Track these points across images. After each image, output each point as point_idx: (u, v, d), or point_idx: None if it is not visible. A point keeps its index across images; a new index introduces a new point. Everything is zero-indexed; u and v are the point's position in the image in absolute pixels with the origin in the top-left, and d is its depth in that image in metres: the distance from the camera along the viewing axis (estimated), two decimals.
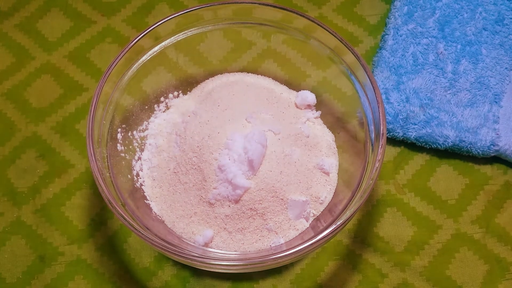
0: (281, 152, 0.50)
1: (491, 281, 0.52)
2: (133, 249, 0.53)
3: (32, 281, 0.52)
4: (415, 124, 0.56)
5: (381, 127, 0.47)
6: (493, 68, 0.59)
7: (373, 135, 0.48)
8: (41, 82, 0.61)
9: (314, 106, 0.56)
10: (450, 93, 0.58)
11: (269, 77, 0.58)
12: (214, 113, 0.52)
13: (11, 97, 0.60)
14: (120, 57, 0.50)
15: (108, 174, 0.48)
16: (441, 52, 0.59)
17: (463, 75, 0.58)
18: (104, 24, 0.64)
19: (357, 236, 0.54)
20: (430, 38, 0.60)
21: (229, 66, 0.59)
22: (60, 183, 0.56)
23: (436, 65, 0.59)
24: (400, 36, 0.60)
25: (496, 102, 0.57)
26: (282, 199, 0.50)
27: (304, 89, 0.56)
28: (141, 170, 0.53)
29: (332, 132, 0.55)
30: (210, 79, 0.58)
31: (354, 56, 0.50)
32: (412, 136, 0.56)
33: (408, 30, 0.60)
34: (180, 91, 0.57)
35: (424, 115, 0.56)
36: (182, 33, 0.54)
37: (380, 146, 0.46)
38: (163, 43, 0.53)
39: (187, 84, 0.58)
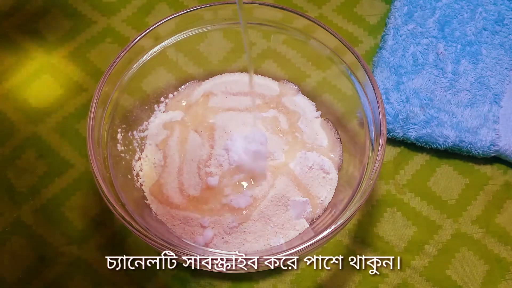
0: (281, 152, 0.50)
1: (491, 281, 0.52)
2: (133, 249, 0.53)
3: (32, 281, 0.52)
4: (415, 124, 0.56)
5: (381, 127, 0.47)
6: (493, 68, 0.59)
7: (373, 135, 0.48)
8: (41, 82, 0.61)
9: (314, 106, 0.56)
10: (450, 93, 0.58)
11: (269, 77, 0.58)
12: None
13: (11, 97, 0.60)
14: (120, 57, 0.50)
15: (108, 174, 0.48)
16: (441, 52, 0.59)
17: (463, 75, 0.58)
18: (104, 24, 0.64)
19: (357, 236, 0.54)
20: (430, 38, 0.60)
21: (229, 66, 0.59)
22: (60, 183, 0.56)
23: (436, 65, 0.59)
24: (400, 36, 0.60)
25: (496, 102, 0.57)
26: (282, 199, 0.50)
27: (304, 89, 0.56)
28: (141, 170, 0.53)
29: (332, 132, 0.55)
30: (210, 79, 0.57)
31: (354, 56, 0.50)
32: (412, 136, 0.56)
33: (408, 30, 0.60)
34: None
35: (424, 115, 0.56)
36: (182, 33, 0.54)
37: (380, 146, 0.46)
38: (163, 43, 0.53)
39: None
